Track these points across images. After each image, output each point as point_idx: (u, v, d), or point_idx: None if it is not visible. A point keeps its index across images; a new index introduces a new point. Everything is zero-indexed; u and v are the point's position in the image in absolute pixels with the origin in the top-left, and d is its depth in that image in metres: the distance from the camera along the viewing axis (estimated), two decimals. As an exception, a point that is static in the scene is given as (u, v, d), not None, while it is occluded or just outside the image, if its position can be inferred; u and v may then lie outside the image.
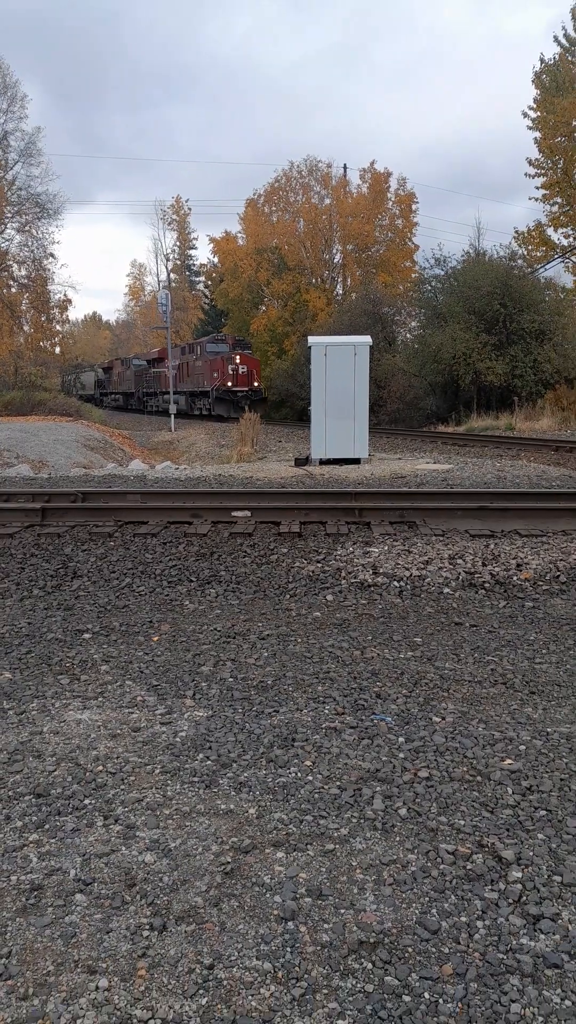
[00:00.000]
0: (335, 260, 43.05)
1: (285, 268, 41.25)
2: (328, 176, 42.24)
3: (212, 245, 50.46)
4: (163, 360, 39.26)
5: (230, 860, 2.38)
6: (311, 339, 14.64)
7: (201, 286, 65.77)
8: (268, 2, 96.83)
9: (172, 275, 68.55)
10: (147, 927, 2.09)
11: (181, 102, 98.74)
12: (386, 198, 41.48)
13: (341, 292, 42.53)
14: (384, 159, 78.19)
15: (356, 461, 13.94)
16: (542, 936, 2.07)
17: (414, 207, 41.98)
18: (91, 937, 2.07)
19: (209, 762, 3.01)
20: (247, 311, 45.41)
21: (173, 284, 66.23)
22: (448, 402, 28.21)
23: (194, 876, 2.31)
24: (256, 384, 34.21)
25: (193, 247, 70.04)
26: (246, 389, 33.35)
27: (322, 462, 13.83)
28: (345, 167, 42.56)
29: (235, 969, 1.95)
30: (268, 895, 2.22)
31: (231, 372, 33.21)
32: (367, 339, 14.38)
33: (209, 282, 58.53)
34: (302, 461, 14.04)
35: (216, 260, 51.76)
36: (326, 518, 7.24)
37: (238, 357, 33.49)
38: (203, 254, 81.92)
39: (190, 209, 68.23)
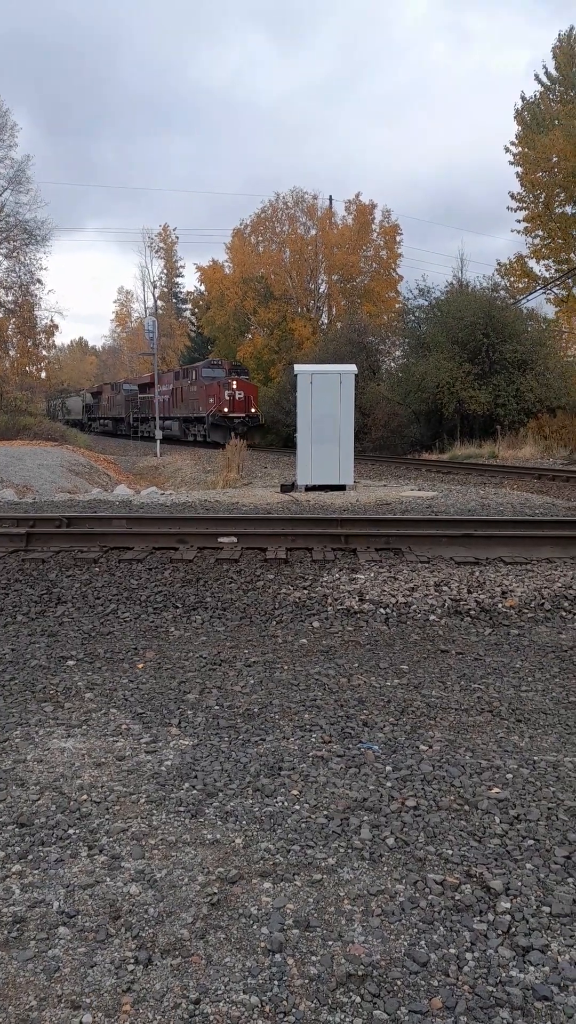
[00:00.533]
0: (321, 290, 43.49)
1: (271, 297, 41.61)
2: (314, 207, 42.84)
3: (199, 273, 50.90)
4: (151, 384, 38.20)
5: (216, 891, 2.35)
6: (297, 367, 14.75)
7: (188, 313, 66.20)
8: (257, 37, 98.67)
9: (159, 302, 68.97)
10: (132, 960, 2.06)
11: (172, 132, 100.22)
12: (371, 229, 42.05)
13: (327, 321, 42.92)
14: (370, 190, 79.54)
15: (341, 487, 14.00)
16: (532, 968, 2.06)
17: (398, 238, 42.59)
18: (75, 971, 2.03)
19: (195, 791, 2.98)
20: (233, 339, 45.71)
21: (160, 311, 66.61)
22: (432, 430, 28.42)
23: (180, 907, 2.28)
24: (253, 410, 33.17)
25: (180, 275, 70.59)
26: (243, 415, 32.37)
27: (308, 488, 13.87)
28: (331, 198, 43.17)
29: (222, 1003, 1.92)
30: (255, 926, 2.19)
31: (228, 398, 32.22)
32: (352, 368, 14.50)
33: (196, 310, 58.93)
34: (288, 487, 14.08)
35: (203, 288, 52.18)
36: (312, 544, 7.24)
37: (235, 382, 32.51)
38: (190, 282, 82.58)
39: (177, 237, 68.86)
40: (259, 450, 28.77)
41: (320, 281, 43.23)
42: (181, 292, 70.00)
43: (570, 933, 2.19)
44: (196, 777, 3.10)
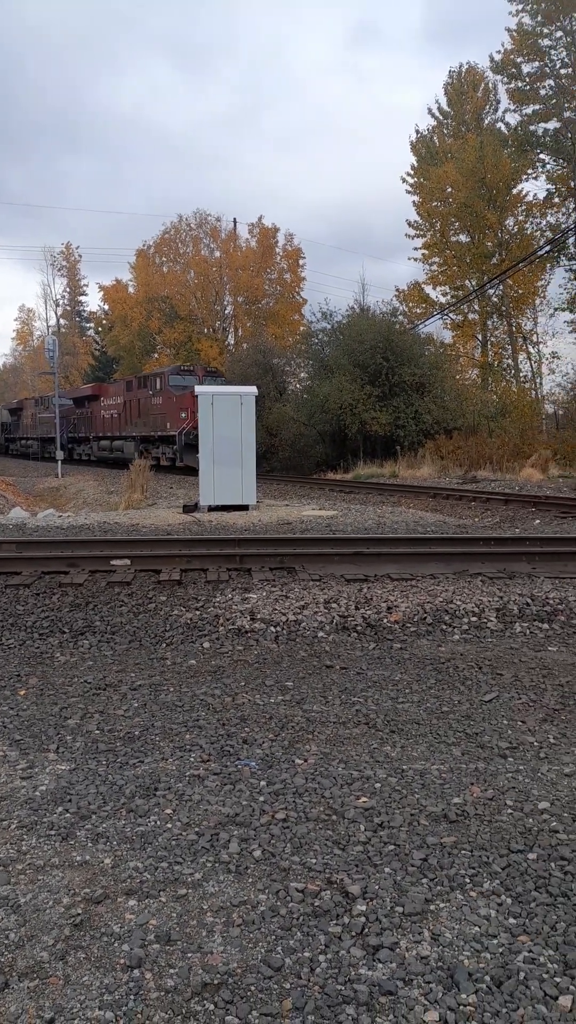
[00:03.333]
0: (226, 311, 43.80)
1: (177, 317, 41.62)
2: (217, 229, 43.22)
3: (102, 293, 50.43)
4: (100, 398, 33.68)
5: (81, 912, 2.37)
6: (198, 388, 14.86)
7: (92, 332, 65.35)
8: (160, 66, 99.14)
9: (62, 320, 67.88)
10: (-12, 986, 2.06)
11: (78, 154, 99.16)
12: (274, 252, 42.72)
13: (233, 342, 43.22)
14: (275, 218, 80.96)
15: (244, 507, 14.12)
16: (380, 965, 2.17)
17: (301, 262, 43.41)
18: None
19: (68, 815, 2.99)
20: (139, 358, 45.44)
21: (63, 330, 65.54)
22: (337, 450, 28.94)
23: (42, 931, 2.29)
24: None
25: (84, 294, 69.72)
26: None
27: (211, 509, 13.93)
28: (235, 221, 43.66)
29: (76, 1021, 1.95)
30: (116, 944, 2.23)
31: None
32: (252, 389, 14.70)
33: (100, 329, 58.26)
34: (191, 508, 14.09)
35: (107, 307, 51.68)
36: (208, 565, 7.30)
37: None
38: (94, 301, 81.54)
39: (80, 256, 68.02)
40: (166, 471, 28.36)
41: (225, 302, 43.55)
42: (85, 311, 69.13)
43: (419, 930, 2.32)
44: (70, 801, 3.10)
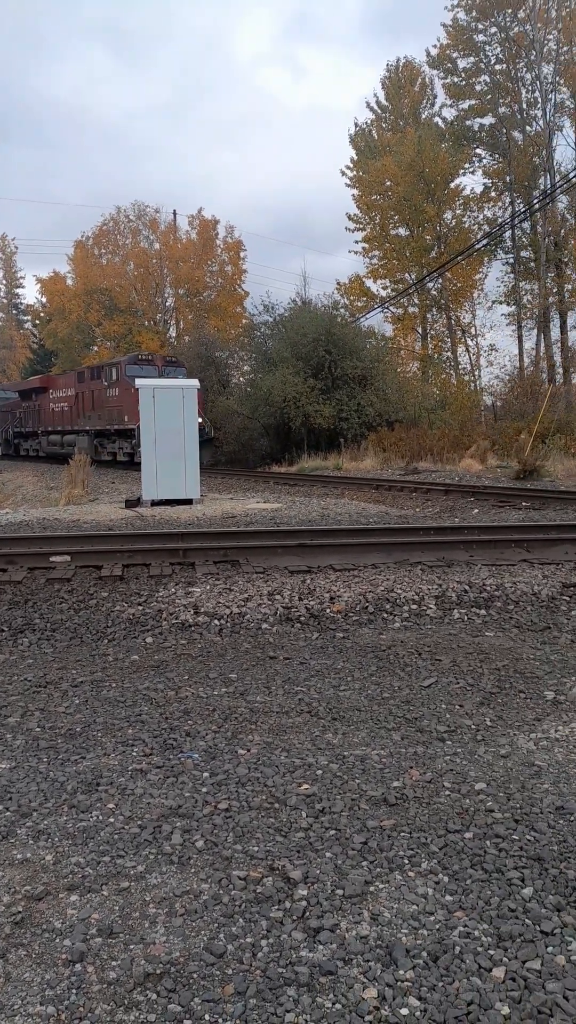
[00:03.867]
0: (167, 303, 43.39)
1: (116, 310, 41.05)
2: (156, 221, 42.75)
3: (39, 285, 49.40)
4: (48, 390, 31.45)
5: (21, 909, 2.36)
6: (139, 382, 14.72)
7: (29, 325, 64.01)
8: (98, 54, 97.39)
9: (-1, 313, 66.34)
10: None
11: (11, 143, 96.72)
12: (215, 245, 42.46)
13: (174, 335, 42.85)
14: (215, 209, 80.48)
15: (188, 502, 14.06)
16: (320, 947, 2.22)
17: (242, 254, 43.24)
18: None
19: (8, 813, 2.96)
20: (78, 351, 44.67)
21: (0, 323, 64.07)
22: (281, 443, 29.00)
23: (-19, 931, 2.27)
24: (200, 420, 27.42)
25: (20, 286, 68.20)
26: None
27: (154, 503, 13.83)
28: (175, 213, 43.31)
29: (17, 1018, 1.95)
30: (58, 940, 2.23)
31: None
32: (194, 383, 14.64)
33: (37, 321, 57.09)
34: (133, 503, 13.96)
35: (44, 300, 50.66)
36: (150, 560, 7.26)
37: None
38: (31, 293, 79.84)
39: (16, 248, 66.52)
40: (107, 465, 27.91)
41: (166, 295, 43.13)
42: (22, 304, 67.64)
43: (359, 911, 2.37)
44: (11, 799, 3.07)
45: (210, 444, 25.54)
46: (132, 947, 2.20)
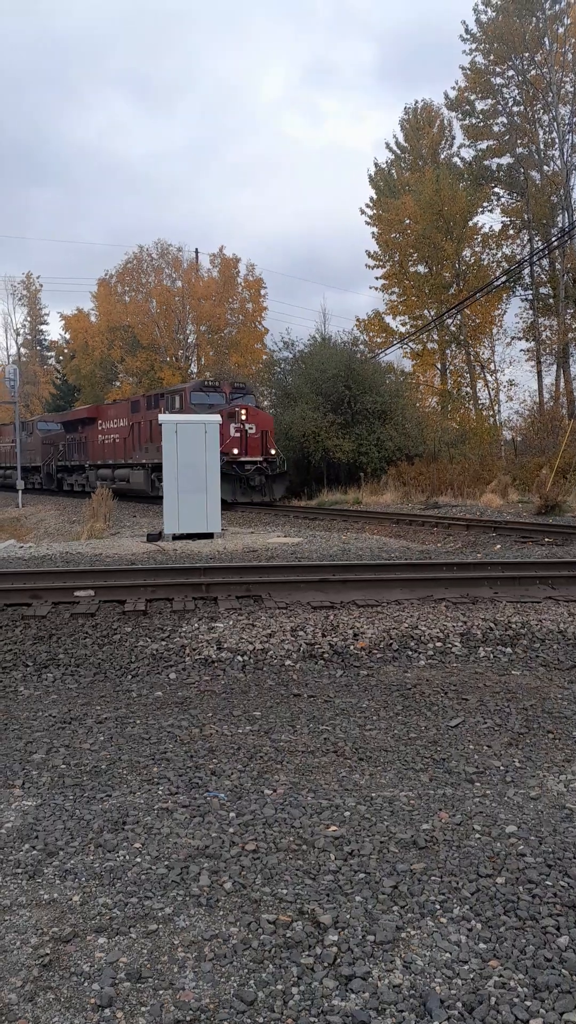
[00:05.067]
0: (189, 340, 43.98)
1: (139, 346, 41.66)
2: (179, 259, 43.53)
3: (63, 322, 50.36)
4: (97, 421, 29.58)
5: (49, 951, 2.34)
6: (162, 417, 14.88)
7: (53, 361, 65.12)
8: (121, 104, 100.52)
9: (23, 349, 67.58)
10: (-45, 1032, 2.02)
11: (40, 184, 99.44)
12: (236, 283, 43.10)
13: (196, 370, 43.36)
14: (236, 248, 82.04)
15: (209, 536, 14.11)
16: (352, 995, 2.17)
17: (263, 292, 43.84)
18: None
19: (35, 852, 2.95)
20: (100, 386, 45.35)
21: (23, 359, 65.22)
22: (301, 477, 29.12)
23: (10, 972, 2.25)
24: (273, 451, 23.30)
25: (45, 323, 69.64)
26: (260, 459, 22.62)
27: (175, 537, 13.88)
28: (197, 251, 43.97)
29: (46, 1065, 1.92)
30: (86, 983, 2.20)
31: (235, 434, 22.32)
32: (216, 418, 14.79)
33: (61, 357, 58.07)
34: (154, 536, 14.02)
35: (68, 336, 51.59)
36: (173, 595, 7.27)
37: (243, 412, 22.79)
38: (55, 330, 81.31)
39: (41, 285, 68.00)
40: (128, 500, 28.07)
41: (188, 331, 43.74)
42: (46, 340, 68.93)
43: (391, 959, 2.33)
44: (37, 837, 3.06)
45: (284, 478, 23.90)
46: (161, 992, 2.17)
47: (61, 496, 32.04)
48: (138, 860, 2.88)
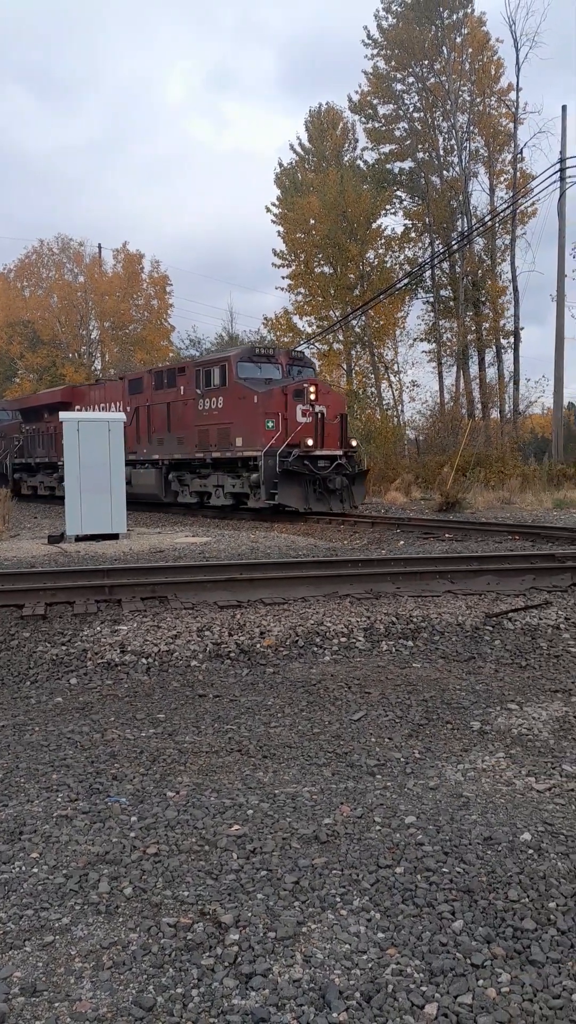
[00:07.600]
0: (92, 336, 43.08)
1: (40, 342, 40.51)
2: (80, 254, 42.59)
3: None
4: (73, 407, 22.30)
5: None
6: (63, 415, 14.52)
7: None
8: (21, 97, 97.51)
9: None
10: None
11: None
12: (140, 279, 42.51)
13: (99, 367, 42.51)
14: (145, 247, 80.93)
15: (115, 536, 13.84)
16: (252, 993, 2.18)
17: (168, 289, 43.41)
18: None
19: None
20: (-1, 384, 43.90)
21: None
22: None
23: None
24: (354, 443, 18.46)
25: None
26: (339, 454, 17.17)
27: (78, 538, 13.56)
28: (100, 247, 43.13)
29: None
30: (-23, 1003, 2.12)
31: (304, 419, 16.73)
32: (121, 416, 14.53)
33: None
34: (56, 538, 13.66)
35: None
36: (75, 597, 7.09)
37: (313, 389, 16.96)
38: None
39: None
40: (29, 500, 27.07)
41: (91, 327, 42.85)
42: None
43: (291, 954, 2.35)
44: None
45: (364, 477, 18.56)
46: (57, 1005, 2.12)
47: (19, 501, 25.21)
48: (35, 870, 2.80)
